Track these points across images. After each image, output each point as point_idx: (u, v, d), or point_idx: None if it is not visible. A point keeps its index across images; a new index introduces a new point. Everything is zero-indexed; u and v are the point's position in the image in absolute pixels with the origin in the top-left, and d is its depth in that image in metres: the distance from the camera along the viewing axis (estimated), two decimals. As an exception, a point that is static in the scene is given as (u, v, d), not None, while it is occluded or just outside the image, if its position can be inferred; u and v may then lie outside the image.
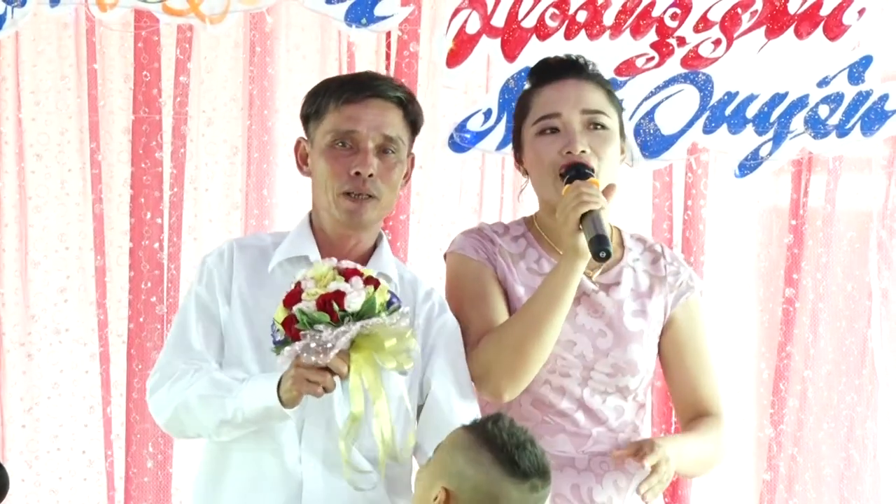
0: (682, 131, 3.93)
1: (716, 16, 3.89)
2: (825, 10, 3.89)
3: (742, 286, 4.04)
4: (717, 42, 3.90)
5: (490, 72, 3.95)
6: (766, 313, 4.04)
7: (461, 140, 3.90)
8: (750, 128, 3.93)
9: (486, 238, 2.96)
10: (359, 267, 2.57)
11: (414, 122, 2.89)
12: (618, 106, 2.97)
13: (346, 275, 2.54)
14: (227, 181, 4.01)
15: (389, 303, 2.56)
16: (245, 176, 3.98)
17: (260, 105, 3.95)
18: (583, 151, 2.86)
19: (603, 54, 3.74)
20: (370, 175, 2.80)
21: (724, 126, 3.93)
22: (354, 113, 2.82)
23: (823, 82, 3.92)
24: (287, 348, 2.55)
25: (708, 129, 3.93)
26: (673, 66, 3.92)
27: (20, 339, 4.00)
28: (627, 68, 3.90)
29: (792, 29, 3.90)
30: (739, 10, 3.90)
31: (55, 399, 4.00)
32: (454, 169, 4.03)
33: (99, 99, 3.94)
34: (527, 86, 3.01)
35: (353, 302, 2.51)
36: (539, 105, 2.92)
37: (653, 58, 3.91)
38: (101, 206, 3.96)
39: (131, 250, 3.94)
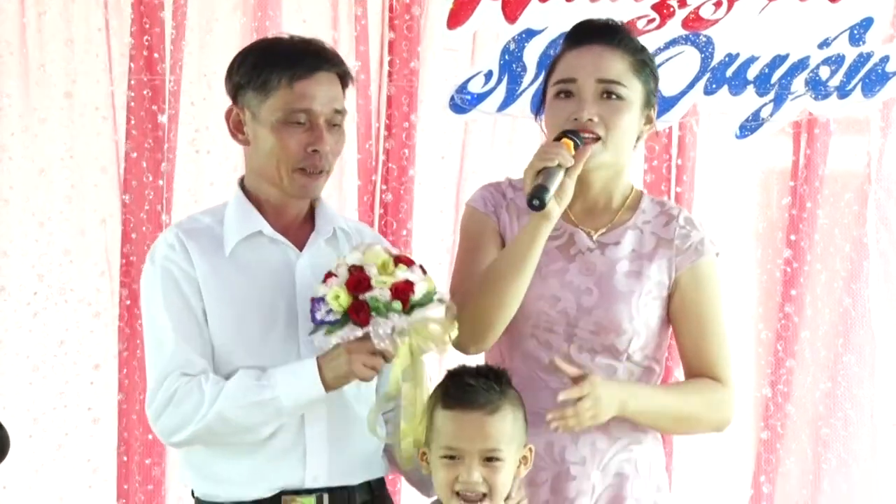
0: (683, 93, 3.71)
1: (717, -23, 3.69)
2: (827, -28, 3.69)
3: (741, 248, 3.83)
4: (717, 4, 3.69)
5: (491, 33, 3.72)
6: (765, 274, 3.83)
7: (462, 101, 3.72)
8: (751, 89, 3.71)
9: (499, 191, 2.78)
10: (408, 254, 2.58)
11: (347, 86, 2.72)
12: (647, 76, 2.70)
13: (403, 262, 2.51)
14: (227, 144, 3.73)
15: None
16: None
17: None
18: (590, 119, 2.63)
19: (604, 16, 3.39)
20: (327, 151, 2.64)
21: (725, 87, 3.72)
22: (307, 90, 2.62)
23: (824, 44, 3.70)
24: (342, 331, 2.48)
25: (709, 91, 3.72)
26: (674, 28, 3.70)
27: (27, 298, 3.81)
28: (631, 29, 3.52)
29: None
30: (741, -28, 3.69)
31: (61, 357, 3.81)
32: (455, 130, 3.82)
33: (107, 64, 3.75)
34: (562, 44, 2.79)
35: (419, 291, 2.49)
36: (561, 68, 2.71)
37: (654, 20, 3.69)
38: (107, 169, 3.77)
39: (133, 212, 3.75)
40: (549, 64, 2.77)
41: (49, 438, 3.78)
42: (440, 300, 2.50)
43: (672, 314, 2.73)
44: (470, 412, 2.49)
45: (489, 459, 2.49)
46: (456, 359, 2.69)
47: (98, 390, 3.79)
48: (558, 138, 2.61)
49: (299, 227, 2.68)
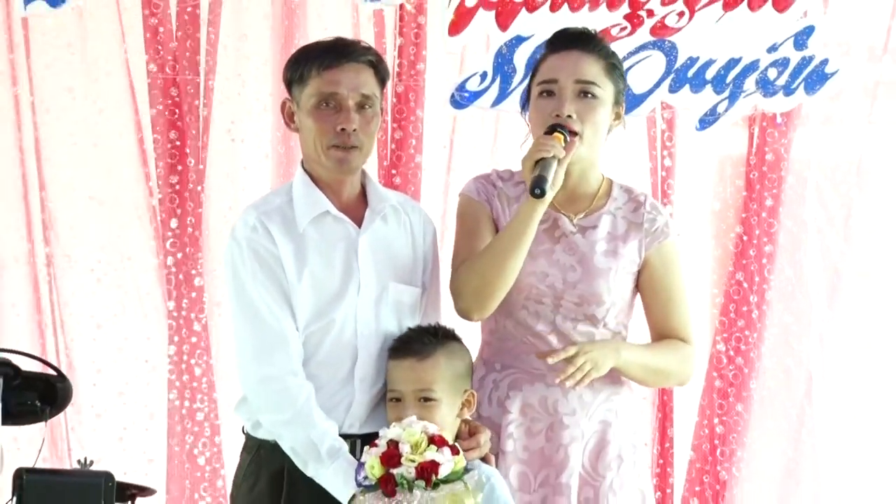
0: (651, 91, 3.68)
1: (680, -9, 3.63)
2: (774, -14, 3.62)
3: (699, 224, 3.81)
4: (681, 14, 3.65)
5: (481, 42, 3.70)
6: (719, 247, 3.80)
7: (461, 98, 3.69)
8: (709, 88, 3.68)
9: (490, 182, 2.73)
10: (445, 435, 2.42)
11: (384, 79, 2.66)
12: (617, 77, 2.68)
13: (435, 442, 2.40)
14: (259, 134, 3.74)
15: (466, 468, 2.43)
16: (274, 129, 3.71)
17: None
18: (569, 116, 2.61)
19: (582, 24, 3.32)
20: (354, 130, 2.60)
21: (687, 86, 3.68)
22: (335, 77, 2.59)
23: (772, 48, 3.67)
24: (374, 496, 2.42)
25: (673, 89, 3.69)
26: (643, 35, 3.67)
27: (91, 266, 3.76)
28: (604, 37, 3.47)
29: (746, 2, 3.65)
30: (700, -14, 3.62)
31: (120, 316, 3.76)
32: (454, 124, 3.77)
33: (149, 63, 3.69)
34: (544, 51, 2.75)
35: (444, 471, 2.39)
36: (544, 70, 2.68)
37: (626, 27, 3.66)
38: (154, 154, 3.71)
39: (178, 192, 3.70)
40: (533, 66, 2.73)
41: (110, 387, 3.73)
42: (468, 472, 2.41)
43: (642, 287, 2.72)
44: (405, 359, 2.52)
45: (424, 399, 2.49)
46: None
47: (152, 344, 3.73)
48: (549, 132, 2.58)
49: (355, 205, 2.64)
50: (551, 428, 2.64)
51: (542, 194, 2.52)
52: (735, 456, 3.71)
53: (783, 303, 3.75)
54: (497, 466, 2.59)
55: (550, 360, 2.57)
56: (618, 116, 2.69)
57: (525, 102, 2.73)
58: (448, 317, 2.70)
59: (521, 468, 2.63)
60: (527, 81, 2.74)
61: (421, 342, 2.53)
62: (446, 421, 2.50)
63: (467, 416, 2.54)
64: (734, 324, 3.74)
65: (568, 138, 2.58)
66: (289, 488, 2.54)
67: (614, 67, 2.68)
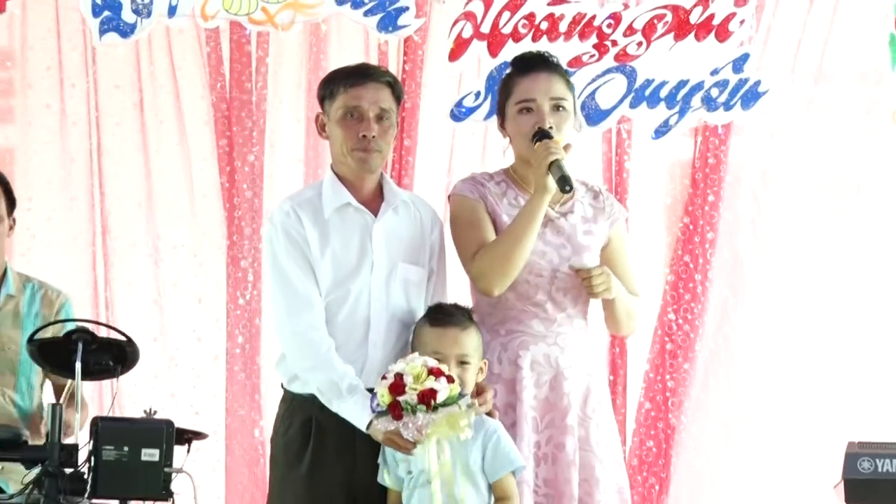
0: (615, 107, 3.93)
1: (639, 25, 3.91)
2: (717, 21, 3.90)
3: (653, 216, 4.03)
4: (639, 43, 3.91)
5: (478, 64, 3.94)
6: (670, 234, 4.01)
7: (459, 113, 3.92)
8: (662, 104, 3.93)
9: (479, 183, 2.94)
10: (441, 367, 2.59)
11: (399, 96, 2.88)
12: (573, 90, 2.96)
13: (433, 373, 2.58)
14: (294, 142, 3.97)
15: (460, 394, 2.60)
16: (305, 138, 3.95)
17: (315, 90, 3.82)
18: (550, 127, 2.87)
19: (559, 52, 3.55)
20: (373, 136, 2.81)
21: (644, 103, 3.93)
22: (358, 93, 2.81)
23: (715, 72, 3.93)
24: (385, 420, 2.59)
25: (633, 106, 3.94)
26: (608, 61, 3.92)
27: (149, 251, 3.98)
28: (576, 62, 3.90)
29: (693, 34, 3.91)
30: (655, 21, 3.90)
31: (174, 294, 3.97)
32: (449, 135, 4.01)
33: (208, 85, 3.93)
34: (509, 70, 2.97)
35: (441, 396, 2.56)
36: (519, 91, 2.90)
37: (594, 55, 3.92)
38: (208, 159, 3.96)
39: (228, 188, 3.92)
40: (502, 84, 2.93)
41: (164, 353, 3.91)
42: (462, 398, 2.57)
43: (604, 259, 2.97)
44: (450, 328, 2.73)
45: (461, 363, 2.70)
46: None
47: (201, 317, 3.93)
48: (542, 137, 2.80)
49: (373, 198, 2.85)
50: (555, 379, 2.85)
51: (572, 189, 2.79)
52: (683, 406, 3.93)
53: (723, 279, 3.96)
54: (516, 413, 2.81)
55: (576, 266, 2.81)
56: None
57: (500, 117, 2.90)
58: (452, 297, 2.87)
59: (532, 413, 2.84)
60: (498, 97, 2.93)
61: (461, 317, 2.75)
62: (471, 381, 2.71)
63: (480, 379, 2.77)
64: (682, 297, 3.96)
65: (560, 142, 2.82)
66: (316, 432, 2.78)
67: (569, 82, 2.95)
